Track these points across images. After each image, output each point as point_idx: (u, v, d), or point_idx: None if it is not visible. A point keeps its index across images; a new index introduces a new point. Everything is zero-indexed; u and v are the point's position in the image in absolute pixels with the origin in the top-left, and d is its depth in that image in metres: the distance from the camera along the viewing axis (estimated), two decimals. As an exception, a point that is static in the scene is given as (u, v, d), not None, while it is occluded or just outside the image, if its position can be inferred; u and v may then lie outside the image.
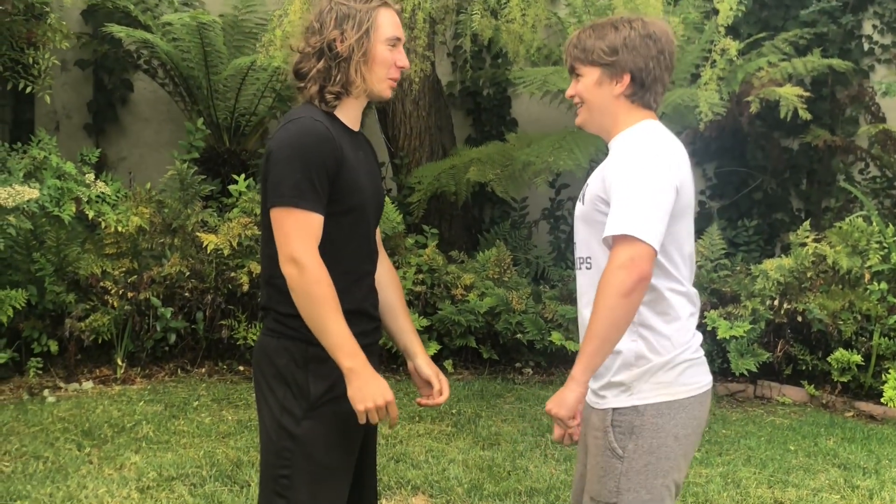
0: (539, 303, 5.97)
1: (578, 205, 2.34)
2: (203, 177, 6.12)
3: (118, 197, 5.65)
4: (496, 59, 7.31)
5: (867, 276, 5.58)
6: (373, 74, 2.41)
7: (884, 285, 5.54)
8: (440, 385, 2.55)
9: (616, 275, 2.13)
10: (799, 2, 7.07)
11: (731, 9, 5.85)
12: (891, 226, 5.72)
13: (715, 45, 5.97)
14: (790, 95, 5.85)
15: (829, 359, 5.66)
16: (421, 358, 2.59)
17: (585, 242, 2.32)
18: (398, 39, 2.44)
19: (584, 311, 2.30)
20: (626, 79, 2.31)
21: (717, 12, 6.01)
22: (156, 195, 5.91)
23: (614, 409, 2.25)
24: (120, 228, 5.51)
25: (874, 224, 5.70)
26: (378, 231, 2.56)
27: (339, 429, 2.38)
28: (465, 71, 6.98)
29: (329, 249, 2.34)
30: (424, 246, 6.14)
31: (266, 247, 2.42)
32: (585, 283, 2.32)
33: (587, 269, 2.32)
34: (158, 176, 6.34)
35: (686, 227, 2.29)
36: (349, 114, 2.44)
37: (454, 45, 7.29)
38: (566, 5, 6.59)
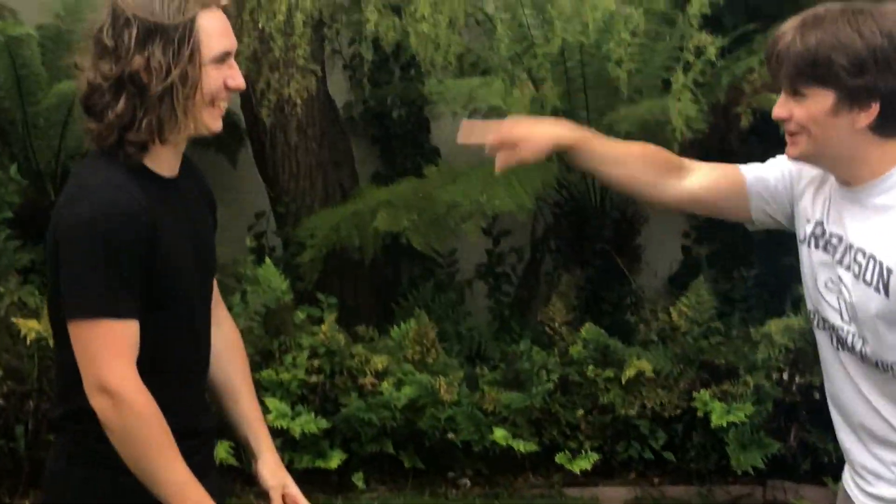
0: (476, 390, 6.09)
1: (868, 291, 2.38)
2: (19, 242, 6.18)
3: None
4: (406, 71, 7.52)
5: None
6: (196, 108, 2.43)
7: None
8: None
9: None
10: (810, -5, 7.34)
11: (705, -5, 6.28)
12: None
13: (688, 43, 6.27)
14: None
15: (857, 446, 5.89)
16: (265, 461, 2.68)
17: (892, 347, 2.39)
18: (228, 53, 2.44)
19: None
20: (875, 108, 2.33)
21: (689, 0, 6.31)
22: (-47, 270, 6.02)
23: None
24: None
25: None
26: (214, 282, 2.67)
27: None
28: (364, 86, 7.26)
29: (147, 355, 2.39)
30: (320, 321, 6.24)
31: (60, 350, 2.45)
32: (888, 392, 2.43)
33: (894, 377, 2.41)
34: (-44, 244, 6.39)
35: None
36: (163, 159, 2.47)
37: (351, 53, 7.50)
38: (494, -4, 6.89)
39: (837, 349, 2.50)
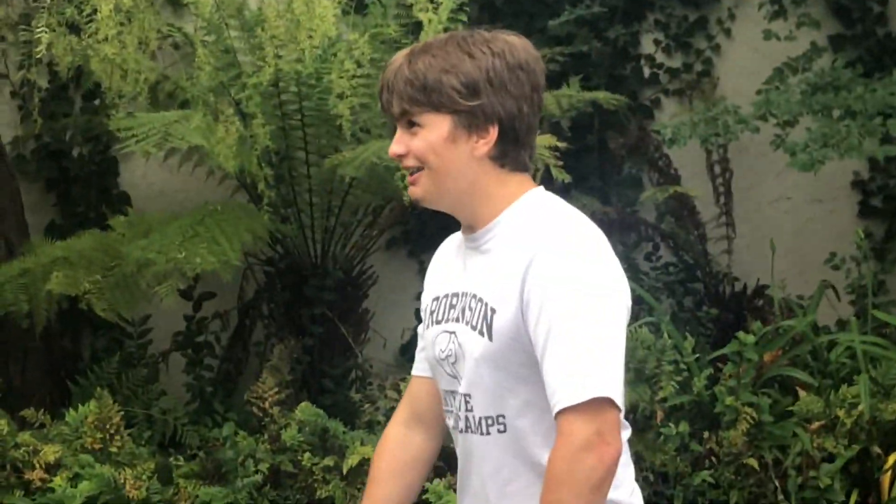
0: (169, 485, 5.84)
1: (473, 335, 2.45)
2: None
3: None
4: (89, 102, 7.18)
5: (660, 415, 5.81)
6: None
7: (684, 426, 5.69)
8: None
9: (582, 461, 2.27)
10: (547, 8, 7.26)
11: (441, 21, 6.06)
12: (689, 337, 5.92)
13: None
14: (540, 148, 6.15)
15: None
16: None
17: (495, 395, 2.43)
18: None
19: (507, 489, 2.45)
20: (494, 132, 2.41)
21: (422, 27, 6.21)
22: None
23: None
24: None
25: (665, 335, 5.92)
26: None
27: None
28: (37, 119, 6.80)
29: None
30: (-22, 403, 5.96)
31: None
32: (498, 453, 2.44)
33: (500, 432, 2.44)
34: None
35: None
36: None
37: (21, 78, 7.12)
38: (195, 16, 6.50)
39: (468, 449, 2.51)
